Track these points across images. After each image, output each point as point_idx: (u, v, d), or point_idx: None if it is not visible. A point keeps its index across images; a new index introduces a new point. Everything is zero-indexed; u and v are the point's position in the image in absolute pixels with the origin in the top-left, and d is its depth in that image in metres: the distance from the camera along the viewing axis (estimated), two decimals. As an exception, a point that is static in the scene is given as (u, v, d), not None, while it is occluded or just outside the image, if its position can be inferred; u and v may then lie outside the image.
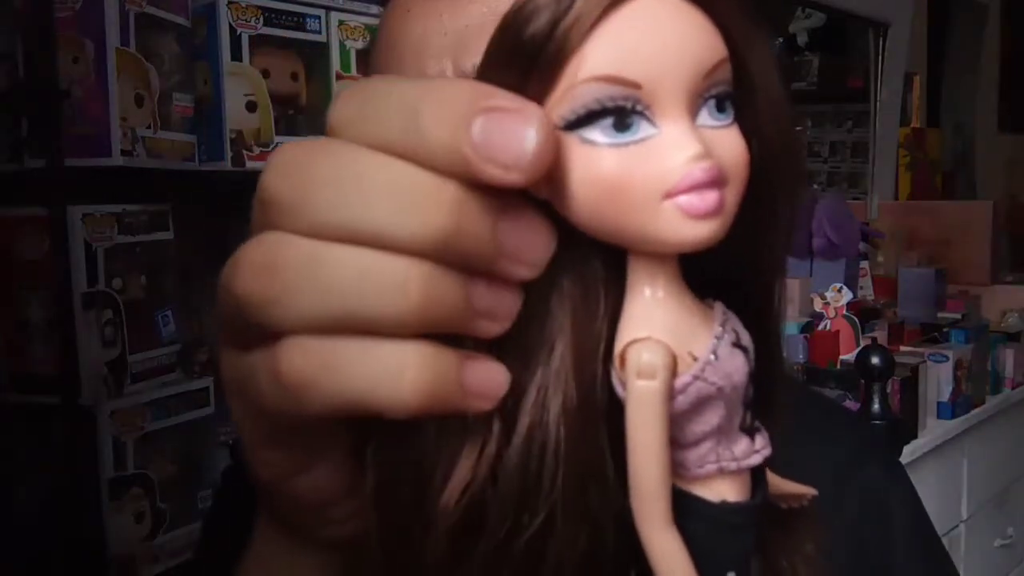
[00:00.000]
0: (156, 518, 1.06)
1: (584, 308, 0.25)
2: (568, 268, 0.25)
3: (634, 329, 0.24)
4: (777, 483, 0.29)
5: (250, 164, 1.17)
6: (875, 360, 1.56)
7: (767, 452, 0.25)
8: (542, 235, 0.24)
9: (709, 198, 0.23)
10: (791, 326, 1.98)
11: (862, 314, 2.12)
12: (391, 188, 0.22)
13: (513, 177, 0.22)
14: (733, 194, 0.24)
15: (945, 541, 1.94)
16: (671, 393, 0.24)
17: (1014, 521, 2.32)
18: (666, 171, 0.23)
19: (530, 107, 0.22)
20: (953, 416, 1.99)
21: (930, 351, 2.00)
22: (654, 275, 0.25)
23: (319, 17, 1.25)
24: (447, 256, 0.22)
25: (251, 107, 1.17)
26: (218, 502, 0.68)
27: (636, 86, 0.23)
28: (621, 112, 0.23)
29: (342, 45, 1.27)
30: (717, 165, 0.23)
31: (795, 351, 1.88)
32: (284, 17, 1.21)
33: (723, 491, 0.25)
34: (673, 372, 0.24)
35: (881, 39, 2.93)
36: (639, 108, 0.23)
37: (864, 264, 2.45)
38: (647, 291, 0.25)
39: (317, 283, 0.23)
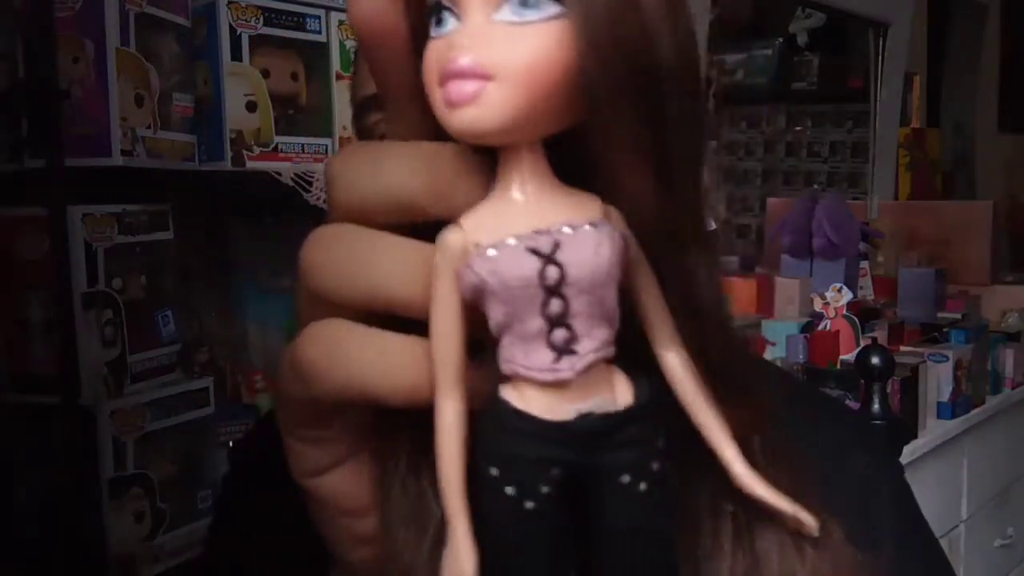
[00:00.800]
0: (156, 518, 1.06)
1: None
2: None
3: (467, 216, 0.26)
4: (770, 497, 0.28)
5: (250, 164, 1.17)
6: (875, 360, 1.56)
7: (565, 375, 0.25)
8: None
9: (464, 88, 0.24)
10: (791, 326, 1.98)
11: (862, 314, 2.12)
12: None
13: None
14: (503, 90, 0.24)
15: (945, 541, 1.94)
16: (455, 266, 0.25)
17: (1014, 521, 2.32)
18: (438, 60, 0.25)
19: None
20: (953, 416, 1.99)
21: (930, 351, 2.00)
22: (505, 167, 0.26)
23: (319, 17, 1.25)
24: None
25: (251, 107, 1.17)
26: (221, 509, 0.68)
27: None
28: (438, 7, 0.26)
29: (342, 45, 1.27)
30: (476, 58, 0.24)
31: (795, 351, 1.88)
32: (284, 17, 1.21)
33: (530, 402, 0.25)
34: (463, 254, 0.25)
35: (881, 39, 2.92)
36: (446, 3, 0.25)
37: (864, 264, 2.45)
38: (497, 186, 0.26)
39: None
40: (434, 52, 0.26)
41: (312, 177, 1.20)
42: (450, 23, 0.25)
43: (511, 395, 0.25)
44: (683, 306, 0.28)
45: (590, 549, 0.26)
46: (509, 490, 0.24)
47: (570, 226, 0.25)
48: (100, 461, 1.00)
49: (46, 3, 0.97)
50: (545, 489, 0.25)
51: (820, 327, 1.97)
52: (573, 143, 0.26)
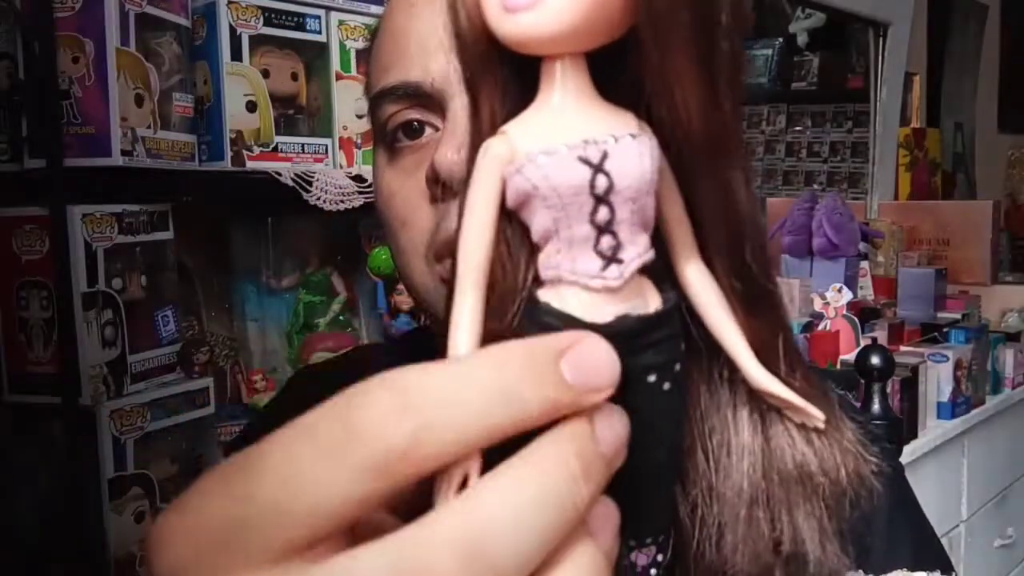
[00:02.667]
0: (156, 518, 1.06)
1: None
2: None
3: (512, 121, 0.26)
4: (783, 392, 0.30)
5: (250, 164, 1.17)
6: (875, 360, 1.56)
7: (613, 283, 0.25)
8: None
9: None
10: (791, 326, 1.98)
11: (862, 314, 2.12)
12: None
13: (605, 394, 0.24)
14: None
15: (945, 541, 1.94)
16: (498, 171, 0.26)
17: (1014, 521, 2.32)
18: None
19: (588, 336, 0.24)
20: (953, 416, 1.99)
21: (930, 351, 2.00)
22: (549, 79, 0.26)
23: (319, 17, 1.25)
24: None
25: (251, 107, 1.17)
26: None
27: None
28: None
29: (342, 45, 1.27)
30: None
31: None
32: (284, 17, 1.21)
33: (570, 303, 0.26)
34: (510, 160, 0.25)
35: (881, 39, 2.92)
36: None
37: (864, 264, 2.45)
38: (540, 95, 0.26)
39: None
40: None
41: (312, 177, 1.20)
42: None
43: (551, 297, 0.26)
44: (722, 216, 0.29)
45: None
46: None
47: (614, 136, 0.25)
48: (100, 461, 1.00)
49: (46, 3, 0.97)
50: None
51: (820, 327, 1.97)
52: (611, 58, 0.26)
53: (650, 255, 0.26)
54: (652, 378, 0.26)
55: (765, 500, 0.31)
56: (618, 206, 0.25)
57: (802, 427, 0.31)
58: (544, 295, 0.26)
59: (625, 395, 0.26)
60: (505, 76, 0.27)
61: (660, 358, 0.27)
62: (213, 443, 1.18)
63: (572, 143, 0.25)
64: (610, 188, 0.25)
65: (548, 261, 0.26)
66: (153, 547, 0.23)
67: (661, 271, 0.28)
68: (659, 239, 0.28)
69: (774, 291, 0.31)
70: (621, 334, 0.25)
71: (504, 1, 0.25)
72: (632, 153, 0.25)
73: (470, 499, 0.22)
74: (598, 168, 0.25)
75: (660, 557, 0.29)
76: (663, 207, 0.28)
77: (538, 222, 0.26)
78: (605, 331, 0.25)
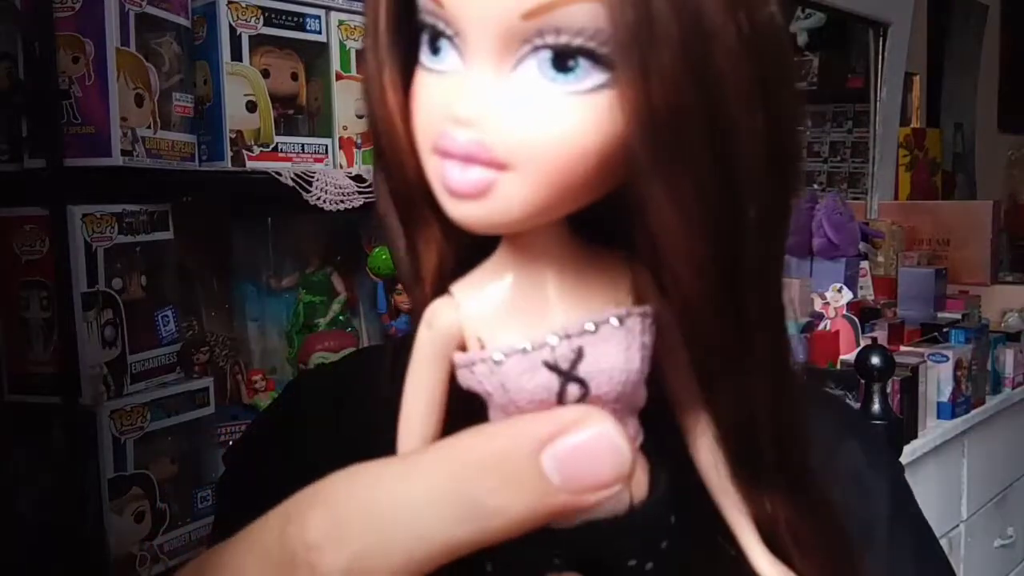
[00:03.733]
0: (156, 518, 1.06)
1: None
2: None
3: (464, 280, 0.21)
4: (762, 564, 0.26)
5: (250, 164, 1.17)
6: (875, 360, 1.56)
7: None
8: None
9: (468, 176, 0.18)
10: (791, 326, 1.98)
11: (862, 314, 2.12)
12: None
13: (611, 491, 0.19)
14: (522, 185, 0.18)
15: (945, 541, 1.94)
16: (445, 353, 0.21)
17: (1014, 521, 2.32)
18: (433, 120, 0.19)
19: (580, 414, 0.19)
20: (953, 416, 1.99)
21: (930, 351, 2.00)
22: (516, 245, 0.20)
23: (319, 17, 1.24)
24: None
25: (251, 107, 1.17)
26: (220, 512, 0.67)
27: (437, 1, 0.19)
28: (434, 31, 0.19)
29: (342, 45, 1.27)
30: (484, 138, 0.18)
31: (795, 351, 1.87)
32: (284, 17, 1.21)
33: None
34: (457, 341, 0.21)
35: (881, 39, 2.92)
36: (448, 32, 0.19)
37: (864, 264, 2.45)
38: (499, 254, 0.21)
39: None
40: (426, 97, 0.20)
41: (312, 177, 1.20)
42: (449, 58, 0.19)
43: None
44: (735, 430, 0.23)
45: None
46: None
47: (594, 323, 0.20)
48: (100, 461, 1.00)
49: (46, 3, 0.97)
50: None
51: (820, 327, 1.97)
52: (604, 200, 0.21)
53: (637, 440, 0.22)
54: (632, 562, 0.22)
55: None
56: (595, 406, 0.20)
57: None
58: None
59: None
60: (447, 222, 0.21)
61: (639, 542, 0.22)
62: (213, 443, 1.18)
63: (537, 341, 0.20)
64: (584, 397, 0.20)
65: None
66: None
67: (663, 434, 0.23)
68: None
69: (831, 511, 0.26)
70: (587, 539, 0.21)
71: (446, 184, 0.19)
72: (614, 347, 0.20)
73: None
74: (568, 376, 0.20)
75: None
76: (668, 374, 0.23)
77: (492, 417, 0.21)
78: (570, 535, 0.21)
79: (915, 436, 1.84)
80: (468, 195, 0.19)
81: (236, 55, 1.15)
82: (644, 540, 0.23)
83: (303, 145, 1.23)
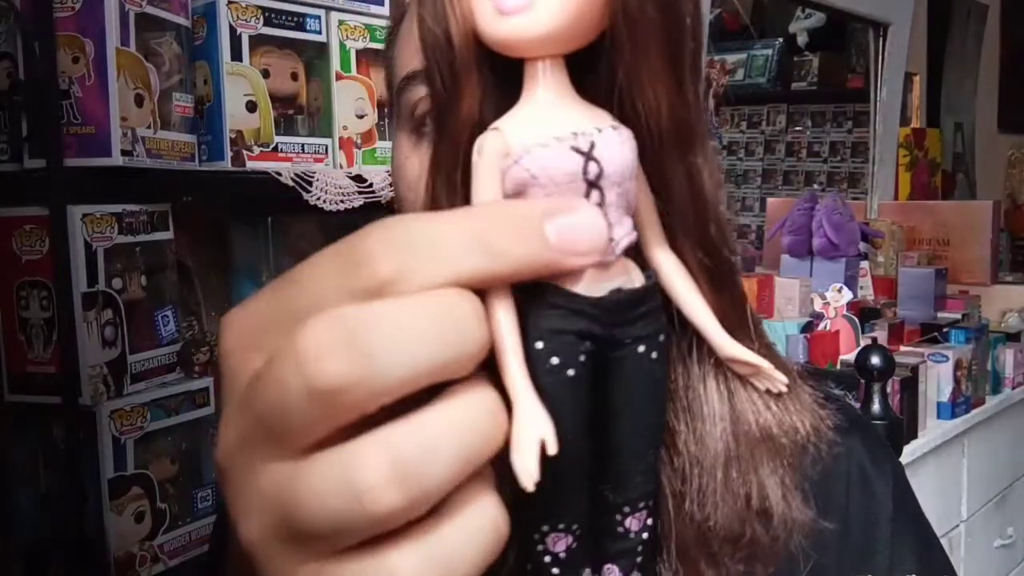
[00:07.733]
0: (156, 518, 1.06)
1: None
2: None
3: (502, 120, 0.29)
4: (748, 356, 0.34)
5: (250, 164, 1.17)
6: (875, 360, 1.56)
7: (608, 258, 0.27)
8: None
9: None
10: (791, 326, 1.98)
11: (862, 314, 2.12)
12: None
13: (593, 259, 0.26)
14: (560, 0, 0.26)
15: (945, 541, 1.94)
16: (497, 166, 0.28)
17: (1014, 521, 2.32)
18: None
19: (575, 201, 0.27)
20: (953, 416, 1.99)
21: (930, 351, 2.00)
22: (533, 79, 0.28)
23: (319, 17, 1.24)
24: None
25: (251, 107, 1.17)
26: (222, 511, 0.67)
27: None
28: None
29: (342, 45, 1.27)
30: None
31: (795, 351, 1.88)
32: (284, 17, 1.21)
33: (567, 278, 0.27)
34: (505, 154, 0.28)
35: (881, 39, 2.92)
36: None
37: (864, 264, 2.45)
38: (525, 94, 0.28)
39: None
40: None
41: (312, 177, 1.20)
42: None
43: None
44: (690, 198, 0.32)
45: (607, 408, 0.29)
46: (554, 360, 0.27)
47: (598, 128, 0.28)
48: (100, 461, 1.00)
49: (46, 3, 0.97)
50: (582, 358, 0.27)
51: (820, 327, 1.97)
52: (584, 61, 0.28)
53: (635, 235, 0.29)
54: (642, 348, 0.29)
55: (737, 462, 0.35)
56: (607, 190, 0.28)
57: (763, 393, 0.35)
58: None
59: (618, 364, 0.29)
60: (487, 77, 0.29)
61: (648, 329, 0.29)
62: (213, 443, 1.18)
63: (562, 135, 0.28)
64: (600, 174, 0.28)
65: None
66: (219, 335, 0.27)
67: (635, 254, 0.30)
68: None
69: (735, 263, 0.34)
70: (614, 307, 0.28)
71: (498, 4, 0.26)
72: (616, 142, 0.28)
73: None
74: (588, 156, 0.27)
75: (650, 521, 0.31)
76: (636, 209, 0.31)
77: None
78: (600, 305, 0.27)
79: (915, 436, 1.85)
80: (515, 9, 0.26)
81: (236, 55, 1.15)
82: (651, 327, 0.29)
83: (303, 145, 1.23)
